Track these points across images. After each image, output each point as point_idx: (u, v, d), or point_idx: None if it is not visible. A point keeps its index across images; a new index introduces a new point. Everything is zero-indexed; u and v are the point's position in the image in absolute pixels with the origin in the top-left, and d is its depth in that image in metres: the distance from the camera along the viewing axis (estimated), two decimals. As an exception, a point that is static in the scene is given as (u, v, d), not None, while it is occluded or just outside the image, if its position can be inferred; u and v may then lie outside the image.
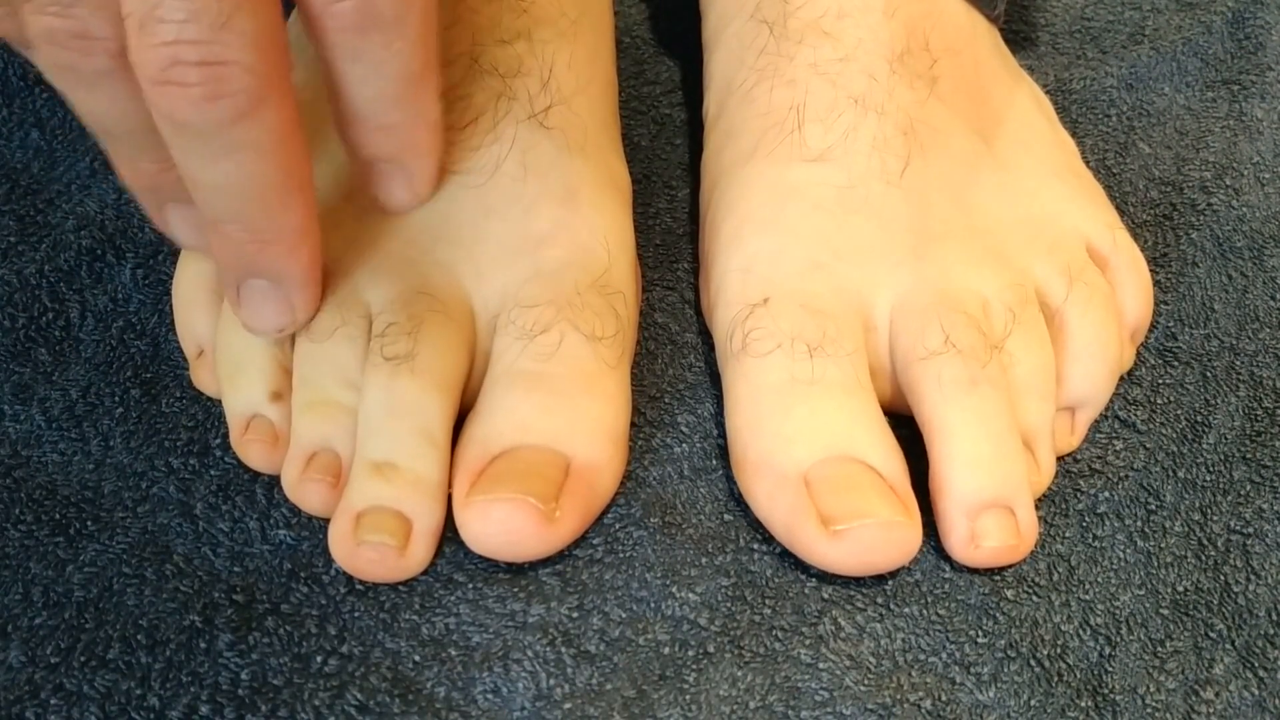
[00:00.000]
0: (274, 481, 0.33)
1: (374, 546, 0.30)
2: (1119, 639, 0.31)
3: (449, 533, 0.31)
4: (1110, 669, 0.30)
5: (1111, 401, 0.35)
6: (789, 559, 0.32)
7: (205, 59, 0.26)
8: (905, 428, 0.33)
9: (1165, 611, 0.31)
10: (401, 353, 0.31)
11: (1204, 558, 0.32)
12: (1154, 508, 0.33)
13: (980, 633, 0.31)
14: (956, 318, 0.33)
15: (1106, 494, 0.33)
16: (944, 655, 0.30)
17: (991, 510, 0.31)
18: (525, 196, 0.34)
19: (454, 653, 0.30)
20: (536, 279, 0.33)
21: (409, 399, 0.31)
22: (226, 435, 0.33)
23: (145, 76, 0.26)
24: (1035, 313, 0.34)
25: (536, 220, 0.34)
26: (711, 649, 0.30)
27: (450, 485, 0.31)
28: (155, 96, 0.26)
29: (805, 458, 0.31)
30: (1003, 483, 0.31)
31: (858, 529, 0.30)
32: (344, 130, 0.31)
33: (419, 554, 0.31)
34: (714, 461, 0.34)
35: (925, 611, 0.31)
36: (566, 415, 0.32)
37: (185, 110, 0.26)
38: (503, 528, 0.30)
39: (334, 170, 0.35)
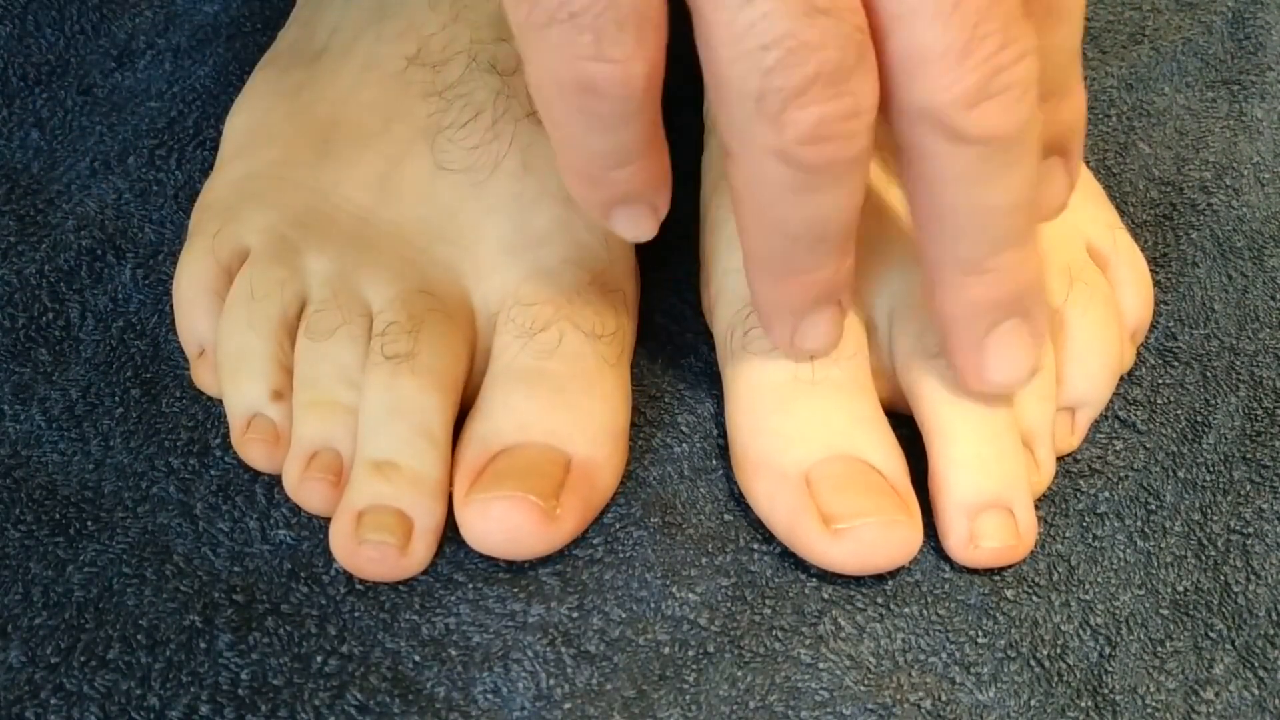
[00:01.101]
0: (274, 481, 0.33)
1: (375, 545, 0.30)
2: (1119, 639, 0.31)
3: (448, 532, 0.31)
4: (1110, 669, 0.30)
5: (1111, 401, 0.35)
6: (789, 559, 0.32)
7: (1023, 53, 0.25)
8: (905, 428, 0.33)
9: (1165, 611, 0.31)
10: (402, 352, 0.31)
11: (1204, 558, 0.32)
12: (1154, 508, 0.33)
13: (980, 633, 0.31)
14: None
15: (1106, 494, 0.33)
16: (944, 655, 0.30)
17: (990, 511, 0.31)
18: (525, 194, 0.34)
19: (454, 653, 0.30)
20: (536, 277, 0.33)
21: (410, 398, 0.31)
22: (226, 435, 0.33)
23: (962, 103, 0.25)
24: (1035, 312, 0.34)
25: (536, 218, 0.34)
26: (711, 649, 0.30)
27: (451, 484, 0.31)
28: (967, 123, 0.25)
29: (806, 457, 0.31)
30: (1002, 483, 0.31)
31: (859, 528, 0.30)
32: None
33: (420, 553, 0.31)
34: (714, 461, 0.34)
35: (925, 611, 0.31)
36: (566, 413, 0.32)
37: (1003, 120, 0.25)
38: (503, 525, 0.30)
39: (337, 167, 0.35)
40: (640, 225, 0.30)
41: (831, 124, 0.25)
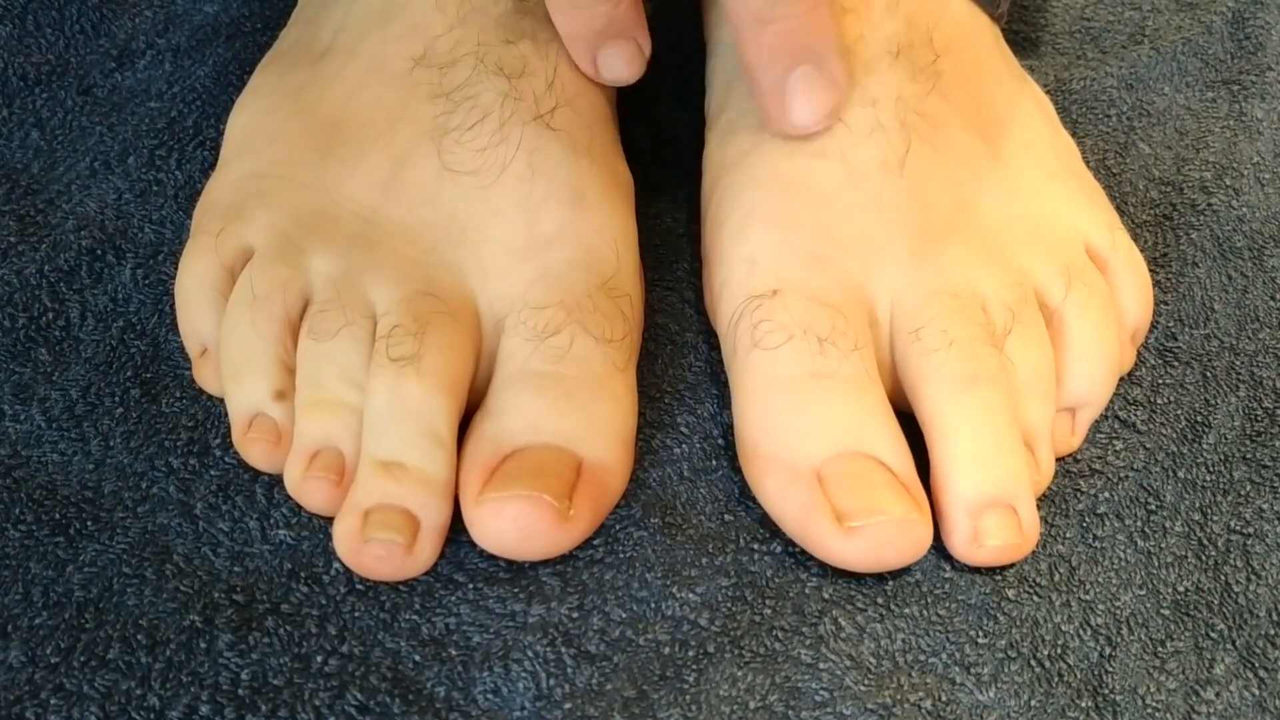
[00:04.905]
0: (274, 481, 0.33)
1: (381, 544, 0.30)
2: (1119, 639, 0.31)
3: (449, 532, 0.31)
4: (1110, 669, 0.30)
5: (1111, 401, 0.35)
6: (789, 559, 0.32)
7: None
8: (904, 425, 0.33)
9: (1166, 612, 0.31)
10: (407, 354, 0.31)
11: (1204, 558, 0.32)
12: (1154, 508, 0.33)
13: (980, 633, 0.31)
14: (956, 315, 0.33)
15: (1106, 494, 0.34)
16: (944, 655, 0.30)
17: (994, 509, 0.31)
18: (532, 198, 0.34)
19: (454, 653, 0.30)
20: (545, 281, 0.33)
21: (415, 400, 0.31)
22: (227, 435, 0.33)
23: None
24: (1034, 312, 0.34)
25: (543, 222, 0.34)
26: (711, 649, 0.30)
27: (457, 485, 0.31)
28: None
29: (818, 453, 0.31)
30: (1005, 480, 0.31)
31: (873, 526, 0.30)
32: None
33: (425, 552, 0.31)
34: (714, 462, 0.34)
35: (925, 611, 0.31)
36: (578, 416, 0.32)
37: None
38: (517, 524, 0.30)
39: (340, 167, 0.35)
40: (632, 63, 0.35)
41: None
